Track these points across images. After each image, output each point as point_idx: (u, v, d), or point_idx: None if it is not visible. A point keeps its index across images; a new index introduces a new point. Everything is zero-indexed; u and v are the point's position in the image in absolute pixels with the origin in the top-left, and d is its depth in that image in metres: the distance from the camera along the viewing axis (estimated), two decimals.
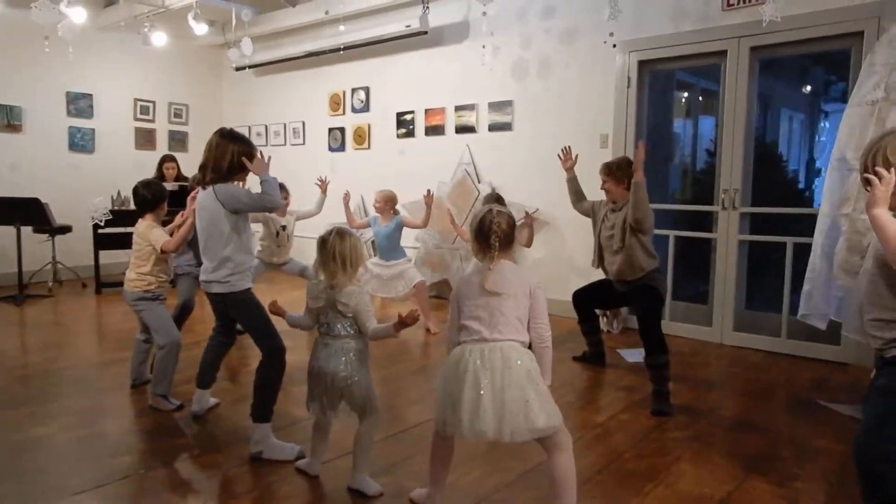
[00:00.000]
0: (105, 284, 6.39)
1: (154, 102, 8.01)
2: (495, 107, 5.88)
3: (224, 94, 8.68)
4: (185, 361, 3.47)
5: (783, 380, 3.89)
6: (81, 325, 5.20)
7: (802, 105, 5.51)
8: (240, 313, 2.84)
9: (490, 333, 2.03)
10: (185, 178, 6.36)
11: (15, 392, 3.51)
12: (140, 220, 3.28)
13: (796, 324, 4.05)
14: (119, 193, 6.50)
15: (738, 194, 4.54)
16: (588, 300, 4.00)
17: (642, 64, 4.99)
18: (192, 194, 3.24)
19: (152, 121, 8.02)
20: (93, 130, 7.45)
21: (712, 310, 4.74)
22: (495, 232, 2.07)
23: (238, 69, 7.67)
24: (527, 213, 5.21)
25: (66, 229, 6.46)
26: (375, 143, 6.99)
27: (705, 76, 5.11)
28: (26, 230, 6.16)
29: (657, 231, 3.62)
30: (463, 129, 6.14)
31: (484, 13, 4.95)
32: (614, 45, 4.87)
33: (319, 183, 5.00)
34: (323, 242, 2.37)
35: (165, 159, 6.91)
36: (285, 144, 7.91)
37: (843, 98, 4.02)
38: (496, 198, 4.79)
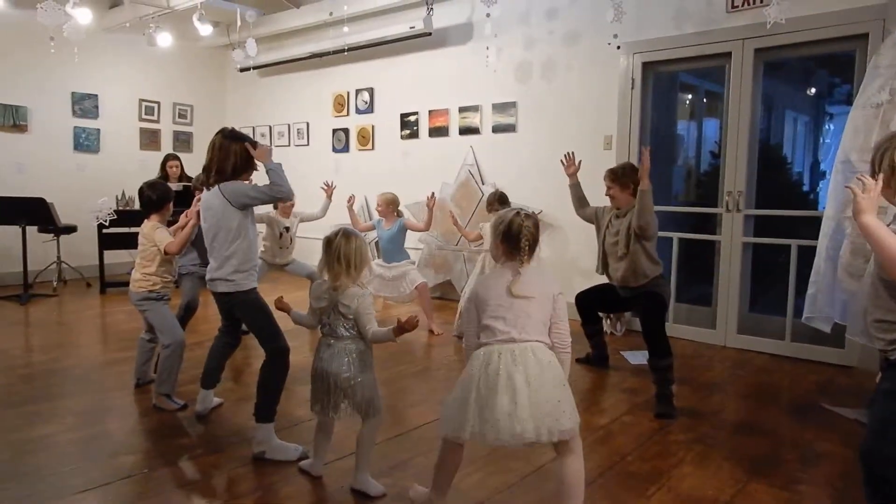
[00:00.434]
0: (109, 284, 6.41)
1: (159, 103, 8.03)
2: (499, 108, 5.88)
3: (228, 95, 8.70)
4: (189, 361, 3.48)
5: (787, 383, 3.88)
6: (85, 325, 5.21)
7: (807, 107, 5.50)
8: (245, 313, 2.85)
9: (518, 334, 2.01)
10: (189, 178, 6.37)
11: (19, 391, 3.52)
12: (146, 220, 3.30)
13: (800, 327, 4.03)
14: (124, 193, 6.53)
15: (743, 196, 4.53)
16: (591, 303, 3.99)
17: (646, 66, 4.99)
18: (199, 196, 3.25)
19: (157, 121, 8.05)
20: (98, 131, 7.48)
21: (716, 312, 4.73)
22: (525, 236, 2.06)
23: (242, 70, 7.69)
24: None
25: (70, 229, 6.48)
26: (379, 144, 6.99)
27: (709, 78, 5.11)
28: (31, 230, 6.18)
29: (661, 233, 3.62)
30: (466, 131, 6.14)
31: (488, 15, 4.95)
32: (618, 47, 4.86)
33: (325, 188, 5.00)
34: (328, 243, 2.37)
35: (169, 158, 6.92)
36: (289, 145, 7.92)
37: (848, 100, 4.01)
38: (500, 196, 4.79)
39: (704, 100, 5.46)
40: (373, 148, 7.05)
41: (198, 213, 3.16)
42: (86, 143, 7.40)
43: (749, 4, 4.40)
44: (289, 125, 7.92)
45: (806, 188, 5.23)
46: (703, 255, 4.87)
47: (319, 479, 2.49)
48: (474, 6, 5.91)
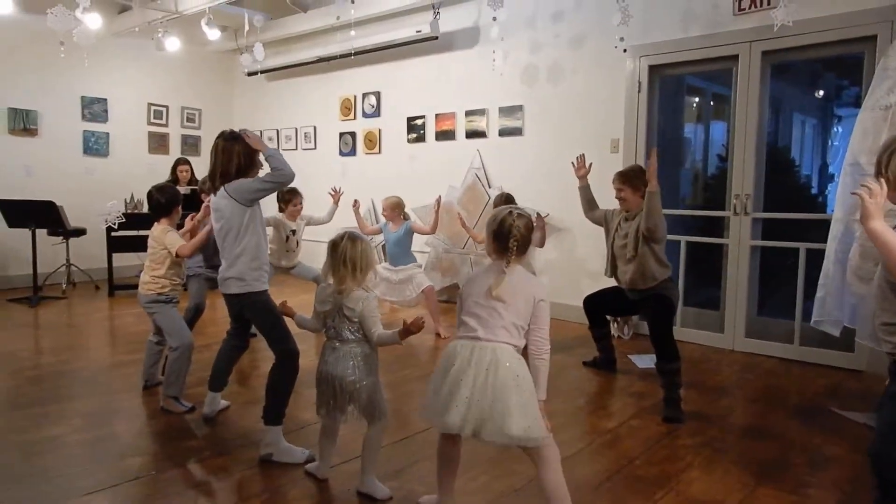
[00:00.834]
0: (118, 287, 6.45)
1: (167, 107, 8.09)
2: (505, 112, 5.88)
3: (236, 99, 8.75)
4: (197, 364, 3.49)
5: (795, 387, 3.86)
6: (94, 327, 5.24)
7: (815, 109, 5.47)
8: (255, 315, 2.86)
9: (484, 333, 2.02)
10: (198, 182, 6.40)
11: (28, 393, 3.55)
12: (155, 223, 3.32)
13: (809, 330, 4.01)
14: (132, 196, 6.57)
15: (750, 199, 4.52)
16: (599, 306, 3.98)
17: (653, 69, 4.98)
18: (207, 202, 3.26)
19: (165, 125, 8.10)
20: (107, 134, 7.54)
21: (724, 316, 4.71)
22: (514, 236, 2.04)
23: (250, 74, 7.73)
24: (539, 214, 5.19)
25: (80, 232, 6.53)
26: (386, 147, 7.01)
27: (716, 81, 5.09)
28: (41, 232, 6.23)
29: (668, 237, 3.61)
30: (473, 134, 6.15)
31: (494, 18, 4.96)
32: (625, 50, 4.86)
33: (333, 193, 5.02)
34: (334, 246, 2.37)
35: (179, 162, 6.97)
36: (297, 149, 7.95)
37: (857, 102, 3.99)
38: (506, 198, 4.78)
39: (711, 103, 5.44)
40: (380, 151, 7.07)
41: (182, 204, 3.23)
42: (95, 146, 7.45)
43: (756, 7, 4.39)
44: (296, 129, 7.95)
45: (814, 191, 5.20)
46: (711, 258, 4.85)
47: (326, 482, 2.50)
48: (481, 10, 5.92)
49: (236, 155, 2.74)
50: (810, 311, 3.74)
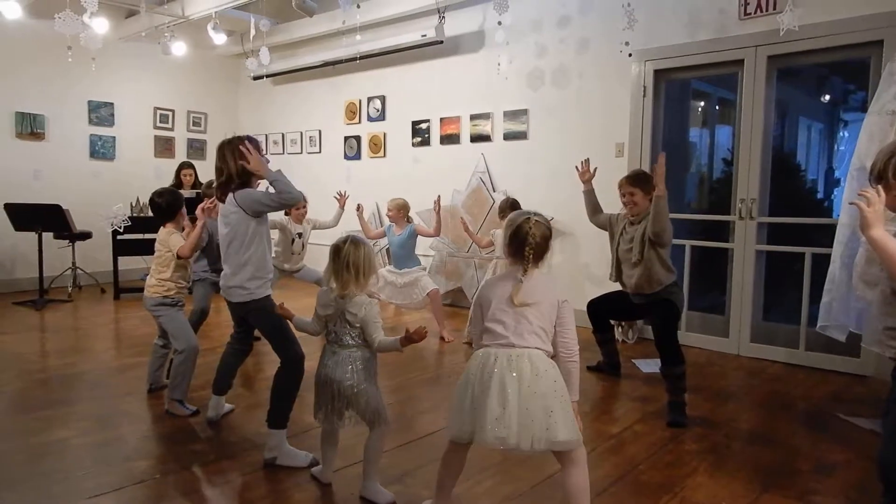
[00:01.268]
0: (123, 290, 6.47)
1: (173, 111, 8.12)
2: (510, 115, 5.89)
3: (242, 103, 8.78)
4: (201, 367, 3.49)
5: (801, 392, 3.84)
6: (100, 330, 5.26)
7: (821, 114, 5.46)
8: (259, 320, 2.86)
9: (517, 339, 2.01)
10: (203, 186, 6.43)
11: (35, 395, 3.56)
12: (162, 227, 3.34)
13: (815, 335, 3.99)
14: (138, 200, 6.60)
15: (756, 204, 4.50)
16: (603, 311, 3.98)
17: (658, 73, 4.98)
18: (203, 205, 3.28)
19: (171, 129, 8.14)
20: (113, 138, 7.58)
21: (729, 320, 4.69)
22: (530, 244, 2.04)
23: (256, 78, 7.76)
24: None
25: (86, 235, 6.56)
26: (391, 151, 7.02)
27: (722, 85, 5.09)
28: (47, 236, 6.26)
29: (674, 241, 3.59)
30: (478, 138, 6.15)
31: (499, 23, 4.96)
32: (630, 55, 4.86)
33: (338, 197, 5.03)
34: (337, 251, 2.37)
35: (183, 166, 7.01)
36: (302, 153, 7.98)
37: (863, 107, 3.98)
38: (512, 204, 4.79)
39: (717, 107, 5.44)
40: (384, 155, 7.08)
41: (204, 214, 3.22)
42: (101, 150, 7.49)
43: (762, 11, 4.38)
44: (301, 133, 7.98)
45: (820, 195, 5.19)
46: (716, 262, 4.84)
47: (329, 486, 2.49)
48: (486, 14, 5.93)
49: (233, 156, 2.75)
50: (816, 315, 3.72)
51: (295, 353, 2.76)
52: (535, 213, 2.12)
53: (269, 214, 2.84)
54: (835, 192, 4.93)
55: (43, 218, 6.09)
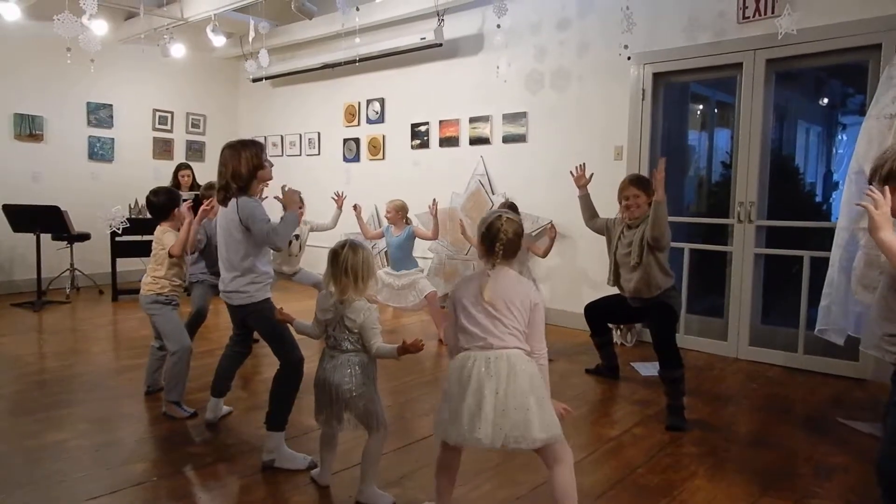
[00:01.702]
0: (122, 292, 6.46)
1: (172, 113, 8.12)
2: (509, 118, 5.89)
3: (241, 105, 8.78)
4: (200, 369, 3.49)
5: (800, 396, 3.84)
6: (98, 332, 5.25)
7: (819, 117, 5.47)
8: (259, 323, 2.86)
9: (494, 340, 2.01)
10: (201, 187, 6.42)
11: (33, 398, 3.55)
12: (158, 226, 3.34)
13: (813, 339, 3.99)
14: (137, 202, 6.60)
15: (755, 207, 4.51)
16: (600, 314, 3.97)
17: (657, 76, 4.98)
18: (208, 204, 3.28)
19: (170, 131, 8.13)
20: (112, 140, 7.57)
21: (728, 324, 4.69)
22: (500, 239, 2.05)
23: (255, 80, 7.76)
24: (551, 224, 5.20)
25: (84, 237, 6.55)
26: (390, 153, 7.03)
27: (721, 88, 5.10)
28: (45, 237, 6.25)
29: (672, 244, 3.59)
30: (477, 141, 6.16)
31: (498, 26, 4.97)
32: (629, 58, 4.87)
33: (336, 198, 5.03)
34: (335, 255, 2.36)
35: (181, 167, 7.00)
36: (301, 155, 7.98)
37: (861, 110, 3.99)
38: (510, 206, 4.79)
39: (716, 110, 5.44)
40: (383, 158, 7.08)
41: (192, 212, 3.24)
42: (100, 152, 7.48)
43: (760, 15, 4.39)
44: (300, 135, 7.98)
45: (819, 199, 5.19)
46: (715, 266, 4.84)
47: (327, 489, 2.49)
48: (485, 17, 5.94)
49: (244, 159, 2.75)
50: (815, 319, 3.72)
51: (294, 355, 2.76)
52: (507, 212, 2.15)
53: (267, 214, 2.84)
54: (833, 196, 4.94)
55: (41, 219, 6.08)
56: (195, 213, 3.30)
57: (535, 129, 5.74)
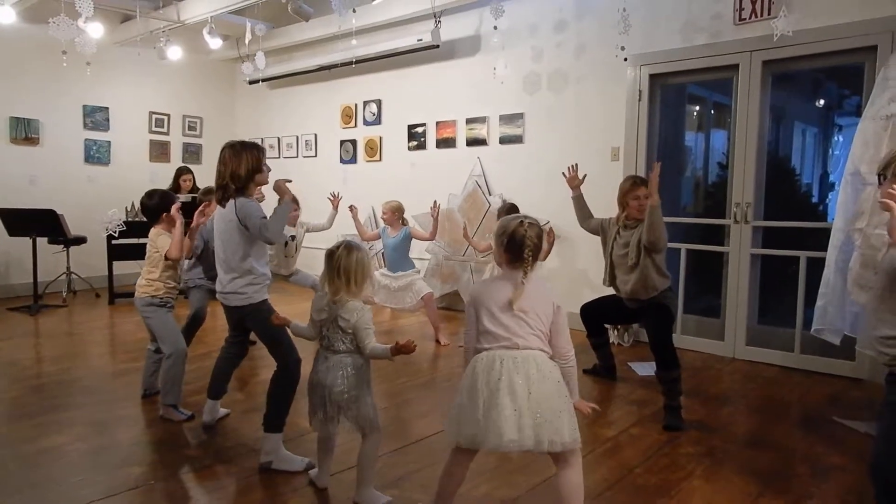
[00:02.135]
0: (118, 295, 6.44)
1: (168, 115, 8.11)
2: (506, 119, 5.90)
3: (237, 107, 8.78)
4: (197, 372, 3.49)
5: (797, 395, 3.85)
6: (94, 336, 5.24)
7: (816, 119, 5.48)
8: (256, 324, 2.86)
9: (519, 341, 2.02)
10: (199, 191, 6.42)
11: (29, 402, 3.54)
12: (153, 228, 3.34)
13: (810, 339, 4.01)
14: (133, 205, 6.58)
15: (751, 208, 4.52)
16: (597, 315, 3.97)
17: (654, 77, 5.00)
18: (201, 209, 3.28)
19: (167, 133, 8.12)
20: (108, 143, 7.55)
21: (724, 324, 4.70)
22: (528, 246, 2.04)
23: (251, 82, 7.75)
24: (550, 228, 5.18)
25: (80, 240, 6.53)
26: (387, 155, 7.03)
27: (717, 90, 5.11)
28: (42, 241, 6.23)
29: (669, 244, 3.59)
30: (474, 142, 6.16)
31: (495, 27, 4.98)
32: (626, 59, 4.88)
33: (332, 199, 5.02)
34: (330, 256, 2.36)
35: (182, 171, 7.00)
36: (297, 157, 7.97)
37: (857, 112, 4.00)
38: (510, 208, 4.78)
39: (712, 111, 5.46)
40: (380, 159, 7.08)
41: (181, 211, 3.24)
42: (96, 155, 7.47)
43: (757, 16, 4.41)
44: (297, 137, 7.98)
45: (815, 200, 5.21)
46: (712, 266, 4.85)
47: (325, 491, 2.49)
48: (482, 18, 5.95)
49: (245, 160, 2.75)
50: (811, 319, 3.73)
51: (291, 357, 2.75)
52: (525, 216, 2.13)
53: (263, 211, 2.83)
54: (829, 197, 4.95)
55: (37, 223, 6.07)
56: (184, 214, 3.28)
57: (532, 130, 5.74)
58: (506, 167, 5.92)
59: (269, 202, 3.08)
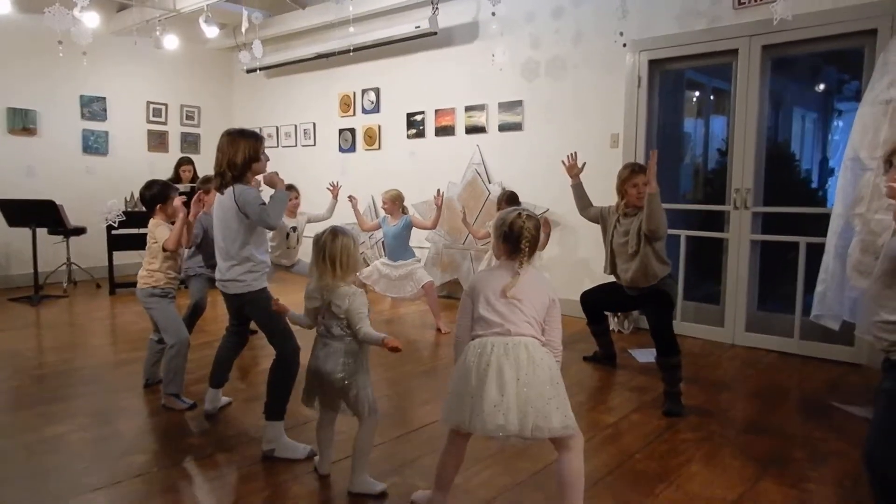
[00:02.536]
0: (119, 285, 6.45)
1: (166, 105, 8.08)
2: (505, 107, 5.88)
3: (235, 96, 8.74)
4: (198, 361, 3.50)
5: (796, 381, 3.87)
6: (96, 326, 5.25)
7: (815, 104, 5.46)
8: (255, 312, 2.87)
9: (512, 327, 2.03)
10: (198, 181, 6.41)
11: (32, 392, 3.56)
12: (151, 218, 3.34)
13: (809, 325, 4.02)
14: (132, 195, 6.57)
15: (751, 194, 4.52)
16: (597, 303, 3.98)
17: (653, 63, 4.97)
18: (197, 196, 3.28)
19: (164, 123, 8.09)
20: (106, 133, 7.53)
21: (724, 310, 4.71)
22: (525, 237, 2.07)
23: (249, 71, 7.71)
24: (545, 218, 5.18)
25: (80, 231, 6.53)
26: (386, 143, 7.01)
27: (716, 75, 5.08)
28: (41, 232, 6.23)
29: (669, 231, 3.59)
30: (473, 130, 6.15)
31: (493, 14, 4.94)
32: (624, 45, 4.85)
33: (331, 188, 5.02)
34: (316, 242, 2.38)
35: (182, 162, 6.99)
36: (296, 146, 7.95)
37: (857, 97, 3.99)
38: (510, 196, 4.77)
39: (712, 97, 5.43)
40: (379, 148, 7.07)
41: (185, 206, 3.24)
42: (94, 145, 7.45)
43: (756, 1, 4.38)
44: (295, 125, 7.95)
45: (814, 185, 5.19)
46: (711, 252, 4.85)
47: (327, 478, 2.50)
48: (480, 5, 5.91)
49: (242, 149, 2.75)
50: (810, 305, 3.74)
51: (291, 344, 2.77)
52: (524, 209, 2.17)
53: (262, 197, 2.83)
54: (829, 182, 4.94)
55: (36, 214, 6.07)
56: (188, 208, 3.29)
57: (532, 117, 5.73)
58: (505, 155, 5.90)
59: (265, 193, 3.06)
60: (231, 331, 3.13)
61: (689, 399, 3.40)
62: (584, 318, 4.06)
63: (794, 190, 4.98)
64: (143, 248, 3.38)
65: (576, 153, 4.05)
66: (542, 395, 1.97)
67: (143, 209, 3.44)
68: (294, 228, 4.77)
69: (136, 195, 6.45)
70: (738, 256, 4.60)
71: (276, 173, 2.86)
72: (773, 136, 4.87)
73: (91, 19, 5.30)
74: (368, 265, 5.39)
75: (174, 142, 8.17)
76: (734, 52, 4.54)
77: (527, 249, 2.08)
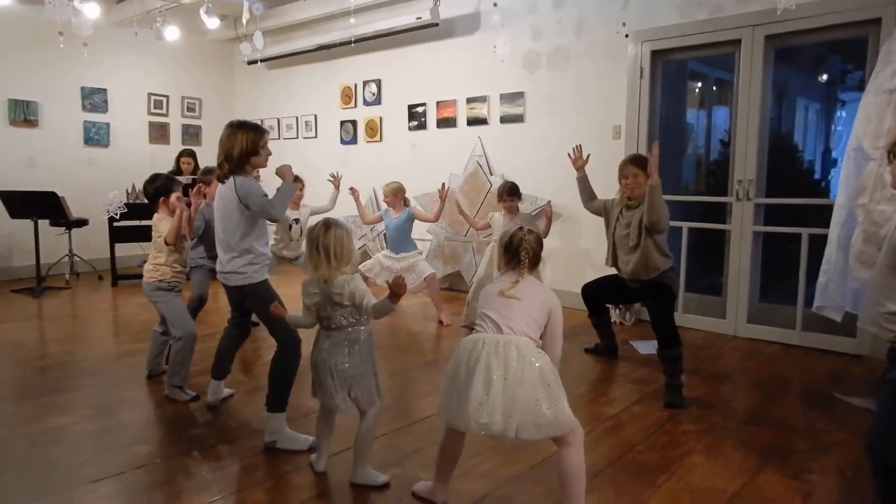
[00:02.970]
0: (121, 277, 6.47)
1: (167, 97, 8.06)
2: (507, 98, 5.85)
3: (236, 88, 8.72)
4: (200, 353, 3.50)
5: (798, 372, 3.86)
6: (98, 317, 5.27)
7: (818, 94, 5.43)
8: (256, 304, 2.87)
9: (504, 326, 2.04)
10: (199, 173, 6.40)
11: (35, 383, 3.57)
12: (156, 213, 3.34)
13: (811, 316, 4.01)
14: (134, 187, 6.59)
15: (753, 185, 4.50)
16: (598, 295, 3.97)
17: (655, 54, 4.94)
18: (198, 188, 3.28)
19: (166, 115, 8.08)
20: (107, 125, 7.53)
21: (726, 302, 4.71)
22: (525, 248, 2.12)
23: (250, 63, 7.68)
24: (548, 203, 5.17)
25: (82, 222, 6.55)
26: (387, 135, 6.99)
27: (719, 66, 5.06)
28: (43, 223, 6.24)
29: (671, 223, 3.58)
30: (475, 121, 6.12)
31: (495, 4, 4.92)
32: (626, 36, 4.82)
33: (332, 179, 5.01)
34: (309, 234, 2.38)
35: (183, 154, 6.98)
36: (297, 137, 7.94)
37: (860, 86, 3.96)
38: (510, 188, 4.75)
39: (714, 88, 5.41)
40: (381, 140, 7.05)
41: (185, 200, 3.24)
42: (96, 137, 7.44)
43: None
44: (297, 117, 7.93)
45: (817, 176, 5.18)
46: (713, 244, 4.84)
47: (325, 471, 2.50)
48: None
49: (240, 140, 2.74)
50: (813, 296, 3.73)
51: (292, 336, 2.77)
52: (526, 225, 2.25)
53: (263, 189, 2.82)
54: (832, 173, 4.92)
55: (38, 205, 6.08)
56: (187, 203, 3.28)
57: (533, 109, 5.70)
58: (507, 146, 5.88)
59: (266, 184, 3.06)
60: (233, 323, 3.14)
61: (691, 391, 3.40)
62: (585, 309, 4.05)
63: (796, 181, 4.96)
64: (145, 240, 3.39)
65: (581, 146, 4.04)
66: (528, 395, 1.95)
67: (145, 201, 3.44)
68: (297, 220, 4.77)
69: (139, 187, 6.47)
70: (741, 248, 4.59)
71: (290, 167, 2.84)
72: (776, 126, 4.85)
73: (91, 10, 5.28)
74: (370, 258, 5.39)
75: (175, 133, 8.16)
76: (737, 42, 4.51)
77: (526, 260, 2.12)
